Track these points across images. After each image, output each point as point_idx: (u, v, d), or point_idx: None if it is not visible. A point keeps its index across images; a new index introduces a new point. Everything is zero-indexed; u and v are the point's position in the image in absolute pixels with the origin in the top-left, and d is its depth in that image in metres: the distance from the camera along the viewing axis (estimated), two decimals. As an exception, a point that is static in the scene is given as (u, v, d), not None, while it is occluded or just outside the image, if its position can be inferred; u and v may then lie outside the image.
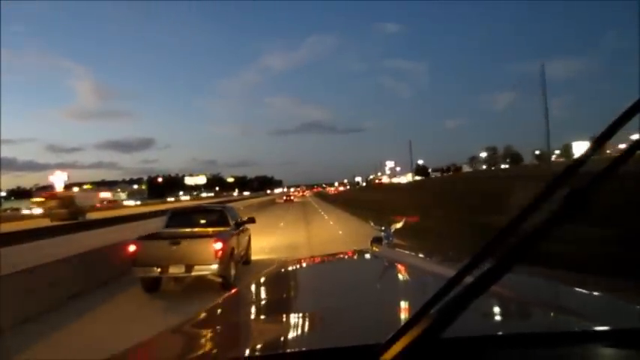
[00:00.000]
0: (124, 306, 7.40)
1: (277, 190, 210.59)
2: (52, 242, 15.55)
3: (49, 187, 78.21)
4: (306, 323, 1.25)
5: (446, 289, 0.72)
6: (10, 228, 25.52)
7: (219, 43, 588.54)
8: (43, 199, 53.34)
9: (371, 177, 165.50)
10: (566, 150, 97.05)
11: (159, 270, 7.46)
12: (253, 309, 1.71)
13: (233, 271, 8.10)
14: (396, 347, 0.71)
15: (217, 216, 9.46)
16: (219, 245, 7.48)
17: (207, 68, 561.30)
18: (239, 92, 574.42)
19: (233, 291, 2.47)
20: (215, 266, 7.42)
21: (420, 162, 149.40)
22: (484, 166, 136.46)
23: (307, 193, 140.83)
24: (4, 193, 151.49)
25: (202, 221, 9.31)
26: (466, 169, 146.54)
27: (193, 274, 7.52)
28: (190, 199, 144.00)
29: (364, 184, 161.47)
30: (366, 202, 34.19)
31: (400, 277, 1.96)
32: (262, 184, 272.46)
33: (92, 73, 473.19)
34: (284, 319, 1.32)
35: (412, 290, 1.64)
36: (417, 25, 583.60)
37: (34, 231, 22.50)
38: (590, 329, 0.96)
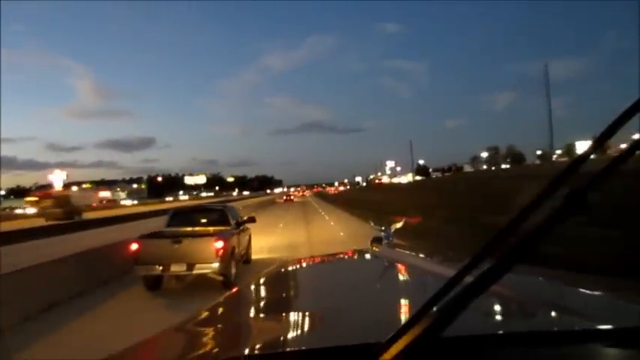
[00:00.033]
0: (124, 305, 7.41)
1: (277, 190, 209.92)
2: (47, 242, 15.53)
3: (48, 186, 78.04)
4: (307, 322, 1.25)
5: (446, 288, 0.72)
6: (3, 227, 24.42)
7: (219, 43, 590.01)
8: (37, 198, 52.88)
9: (371, 177, 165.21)
10: (569, 149, 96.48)
11: (161, 268, 7.53)
12: (254, 308, 1.71)
13: (234, 270, 8.16)
14: (397, 346, 0.71)
15: (218, 215, 9.51)
16: (220, 244, 7.54)
17: (207, 68, 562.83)
18: (239, 92, 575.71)
19: (234, 290, 2.47)
20: (216, 265, 7.48)
21: (421, 162, 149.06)
22: (485, 166, 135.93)
23: (307, 192, 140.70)
24: (3, 192, 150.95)
25: (203, 220, 9.35)
26: (467, 169, 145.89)
27: (195, 272, 7.57)
28: (189, 199, 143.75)
29: (364, 184, 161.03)
30: (366, 202, 34.20)
31: (400, 276, 1.96)
32: (262, 183, 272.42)
33: (92, 72, 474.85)
34: (284, 319, 1.32)
35: (412, 290, 1.64)
36: (417, 25, 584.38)
37: (28, 231, 21.99)
38: (590, 328, 0.96)
